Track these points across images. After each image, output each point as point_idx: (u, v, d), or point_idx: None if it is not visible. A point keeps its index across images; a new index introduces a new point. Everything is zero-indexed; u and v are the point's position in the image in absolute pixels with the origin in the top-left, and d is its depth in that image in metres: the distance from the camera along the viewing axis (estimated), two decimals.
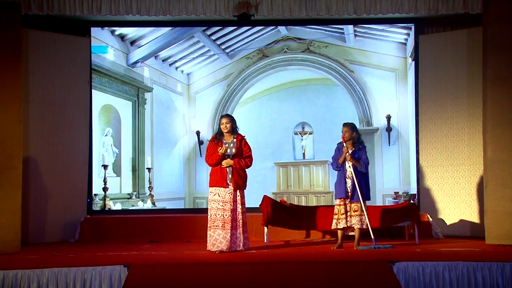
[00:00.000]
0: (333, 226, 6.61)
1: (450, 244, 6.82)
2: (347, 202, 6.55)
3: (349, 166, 6.52)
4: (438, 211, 7.95)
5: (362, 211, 6.49)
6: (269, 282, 5.10)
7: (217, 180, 6.27)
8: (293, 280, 5.10)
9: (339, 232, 6.63)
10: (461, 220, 7.81)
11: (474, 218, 7.68)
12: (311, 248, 6.73)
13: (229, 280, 5.11)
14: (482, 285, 5.16)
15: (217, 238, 6.17)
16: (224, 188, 6.26)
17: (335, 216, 6.59)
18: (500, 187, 6.63)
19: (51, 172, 7.78)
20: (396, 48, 9.75)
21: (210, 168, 6.41)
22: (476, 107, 7.61)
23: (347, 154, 6.51)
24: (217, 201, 6.25)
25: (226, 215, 6.21)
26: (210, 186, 6.33)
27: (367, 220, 6.49)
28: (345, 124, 6.67)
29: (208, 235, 6.24)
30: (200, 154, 10.13)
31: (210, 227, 6.23)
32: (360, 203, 6.49)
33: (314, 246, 6.93)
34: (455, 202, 7.87)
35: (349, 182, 6.54)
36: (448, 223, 7.88)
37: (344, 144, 6.55)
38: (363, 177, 6.58)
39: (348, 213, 6.54)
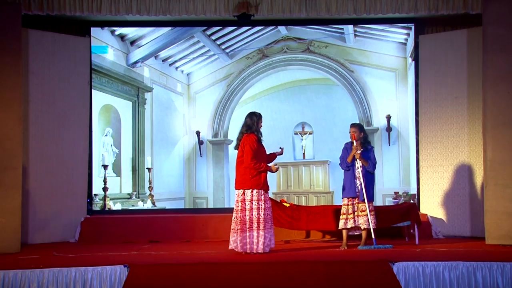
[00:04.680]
0: (341, 226, 6.59)
1: (450, 244, 6.82)
2: (355, 202, 6.56)
3: (358, 166, 6.53)
4: (438, 211, 7.94)
5: (370, 211, 6.50)
6: (269, 282, 5.10)
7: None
8: (293, 280, 5.10)
9: (345, 232, 6.63)
10: (461, 220, 7.81)
11: (474, 218, 7.67)
12: (311, 248, 6.73)
13: (229, 280, 5.11)
14: (482, 285, 5.17)
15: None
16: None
17: (343, 216, 6.58)
18: (500, 187, 6.64)
19: (51, 172, 7.78)
20: (396, 48, 9.75)
21: (250, 169, 6.20)
22: (476, 107, 7.61)
23: (357, 152, 6.51)
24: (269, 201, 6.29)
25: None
26: (267, 190, 6.26)
27: (374, 220, 6.51)
28: (353, 125, 6.69)
29: (262, 236, 6.15)
30: (200, 154, 10.13)
31: (266, 228, 6.18)
32: (368, 203, 6.51)
33: (314, 246, 6.93)
34: (455, 202, 7.87)
35: (357, 182, 6.55)
36: (448, 223, 7.87)
37: (354, 142, 6.56)
38: (370, 177, 6.60)
39: (356, 213, 6.54)
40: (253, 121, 6.32)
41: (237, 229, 6.14)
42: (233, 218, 6.23)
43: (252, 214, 6.13)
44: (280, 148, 6.56)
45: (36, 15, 7.43)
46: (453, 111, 7.94)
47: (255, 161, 6.16)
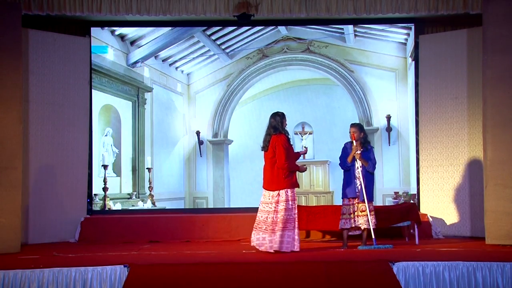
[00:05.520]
0: (341, 226, 6.59)
1: (450, 244, 6.82)
2: (355, 202, 6.56)
3: (358, 167, 6.53)
4: (438, 211, 7.94)
5: (370, 211, 6.49)
6: (269, 282, 5.10)
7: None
8: (293, 280, 5.10)
9: (345, 232, 6.63)
10: (461, 220, 7.81)
11: (474, 218, 7.67)
12: (311, 248, 6.73)
13: (229, 280, 5.11)
14: (482, 285, 5.17)
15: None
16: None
17: (343, 216, 6.58)
18: (500, 187, 6.63)
19: (51, 172, 7.77)
20: (396, 48, 9.75)
21: (283, 170, 6.20)
22: (476, 107, 7.61)
23: (357, 152, 6.51)
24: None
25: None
26: (295, 189, 6.27)
27: (374, 219, 6.50)
28: (353, 125, 6.69)
29: (297, 234, 6.16)
30: (200, 154, 10.13)
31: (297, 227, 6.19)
32: (368, 203, 6.50)
33: (314, 246, 6.93)
34: (455, 202, 7.87)
35: (357, 182, 6.56)
36: (448, 223, 7.88)
37: (354, 143, 6.56)
38: (370, 177, 6.60)
39: (356, 213, 6.54)
40: (277, 121, 6.34)
41: (268, 229, 6.09)
42: (261, 218, 6.19)
43: (288, 215, 6.11)
44: (304, 147, 6.60)
45: (36, 15, 7.44)
46: (453, 111, 7.95)
47: (288, 161, 6.19)
